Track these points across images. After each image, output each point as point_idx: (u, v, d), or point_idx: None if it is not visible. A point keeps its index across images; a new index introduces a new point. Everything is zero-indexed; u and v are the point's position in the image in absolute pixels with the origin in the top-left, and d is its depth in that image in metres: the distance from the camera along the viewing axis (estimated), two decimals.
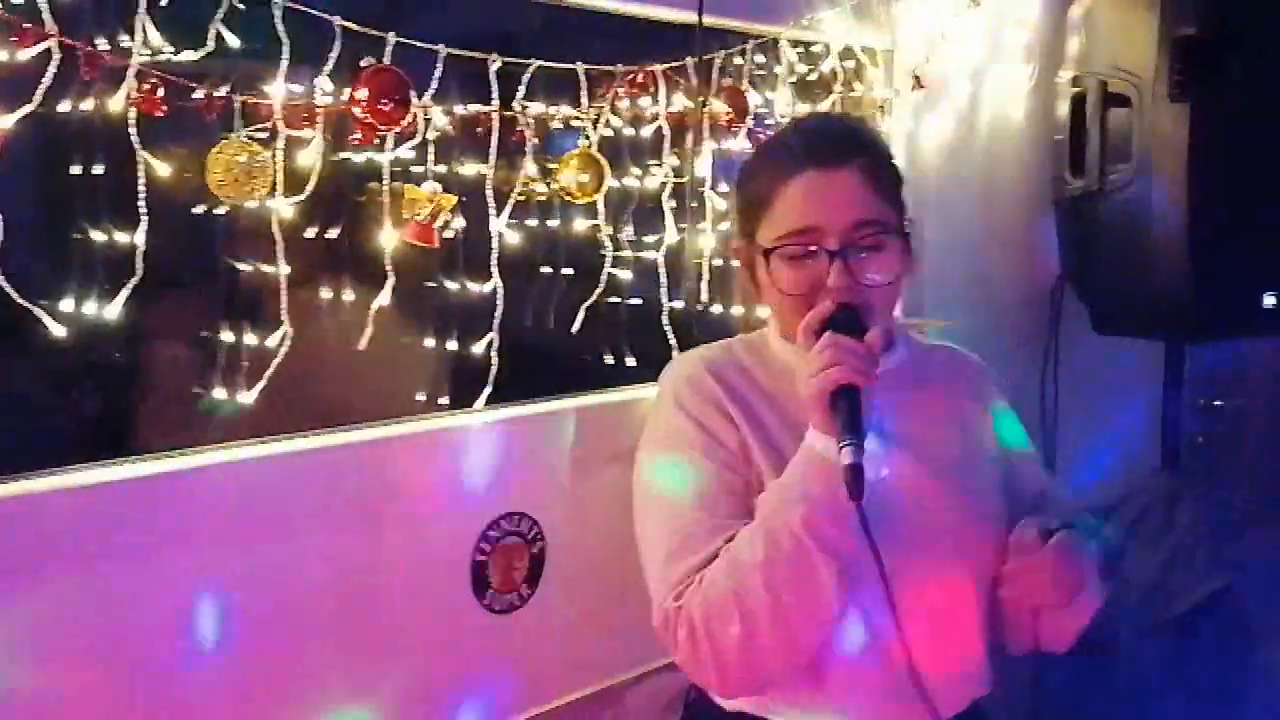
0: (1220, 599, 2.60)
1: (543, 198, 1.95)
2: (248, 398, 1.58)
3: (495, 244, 1.83)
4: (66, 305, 1.46)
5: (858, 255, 1.33)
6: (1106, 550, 1.39)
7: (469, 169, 1.83)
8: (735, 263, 1.49)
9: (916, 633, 1.32)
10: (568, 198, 1.92)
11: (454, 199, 1.75)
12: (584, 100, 1.90)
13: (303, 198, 1.59)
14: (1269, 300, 2.47)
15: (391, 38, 1.63)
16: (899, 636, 1.28)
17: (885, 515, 1.27)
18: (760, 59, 2.18)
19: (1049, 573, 1.33)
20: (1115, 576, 1.42)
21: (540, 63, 1.83)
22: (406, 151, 1.72)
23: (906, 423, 1.40)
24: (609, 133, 1.96)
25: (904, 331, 1.53)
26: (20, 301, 1.36)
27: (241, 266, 1.64)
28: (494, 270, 1.83)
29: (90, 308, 1.46)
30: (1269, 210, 2.37)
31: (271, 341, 1.60)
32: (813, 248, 1.33)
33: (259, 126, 1.54)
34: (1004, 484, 1.47)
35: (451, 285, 1.86)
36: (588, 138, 1.92)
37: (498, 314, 1.83)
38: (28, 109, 1.34)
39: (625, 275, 2.05)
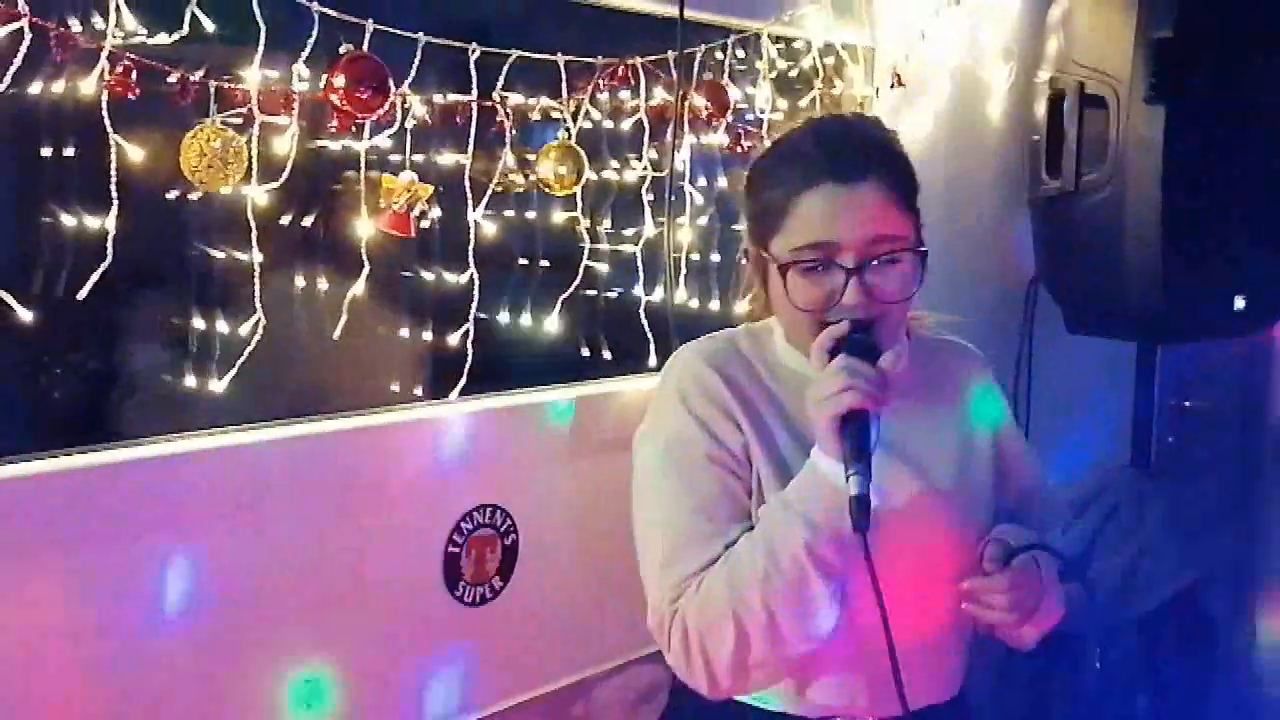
0: (1187, 596, 2.63)
1: (521, 189, 1.94)
2: (219, 386, 1.57)
3: (472, 234, 1.82)
4: (35, 290, 1.44)
5: (874, 271, 1.32)
6: (1072, 562, 1.43)
7: (447, 159, 1.81)
8: (746, 264, 1.48)
9: (899, 635, 1.32)
10: (546, 189, 1.91)
11: (430, 188, 1.74)
12: (564, 92, 1.89)
13: (278, 185, 1.57)
14: (1240, 303, 2.50)
15: (370, 25, 1.62)
16: (889, 649, 1.27)
17: (876, 525, 1.27)
18: (741, 54, 2.17)
19: (1005, 596, 1.36)
20: (1079, 584, 1.47)
21: (520, 53, 1.82)
22: (384, 140, 1.70)
23: (903, 430, 1.39)
24: (588, 125, 1.95)
25: (909, 326, 1.52)
26: None
27: (214, 253, 1.62)
28: (470, 261, 1.82)
29: (59, 293, 1.44)
30: (1242, 213, 2.40)
31: (244, 329, 1.58)
32: (828, 263, 1.32)
33: (234, 112, 1.53)
34: (996, 480, 1.48)
35: (427, 275, 1.85)
36: (567, 129, 1.91)
37: (474, 305, 1.82)
38: None
39: (603, 268, 2.05)
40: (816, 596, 1.27)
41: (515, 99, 1.84)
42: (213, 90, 1.50)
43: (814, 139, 1.40)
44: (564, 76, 1.88)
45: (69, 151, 1.47)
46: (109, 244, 1.43)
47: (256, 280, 1.57)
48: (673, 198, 2.07)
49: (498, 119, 1.82)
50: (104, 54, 1.41)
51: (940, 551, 1.40)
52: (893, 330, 1.37)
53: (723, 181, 2.26)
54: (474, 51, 1.76)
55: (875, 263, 1.32)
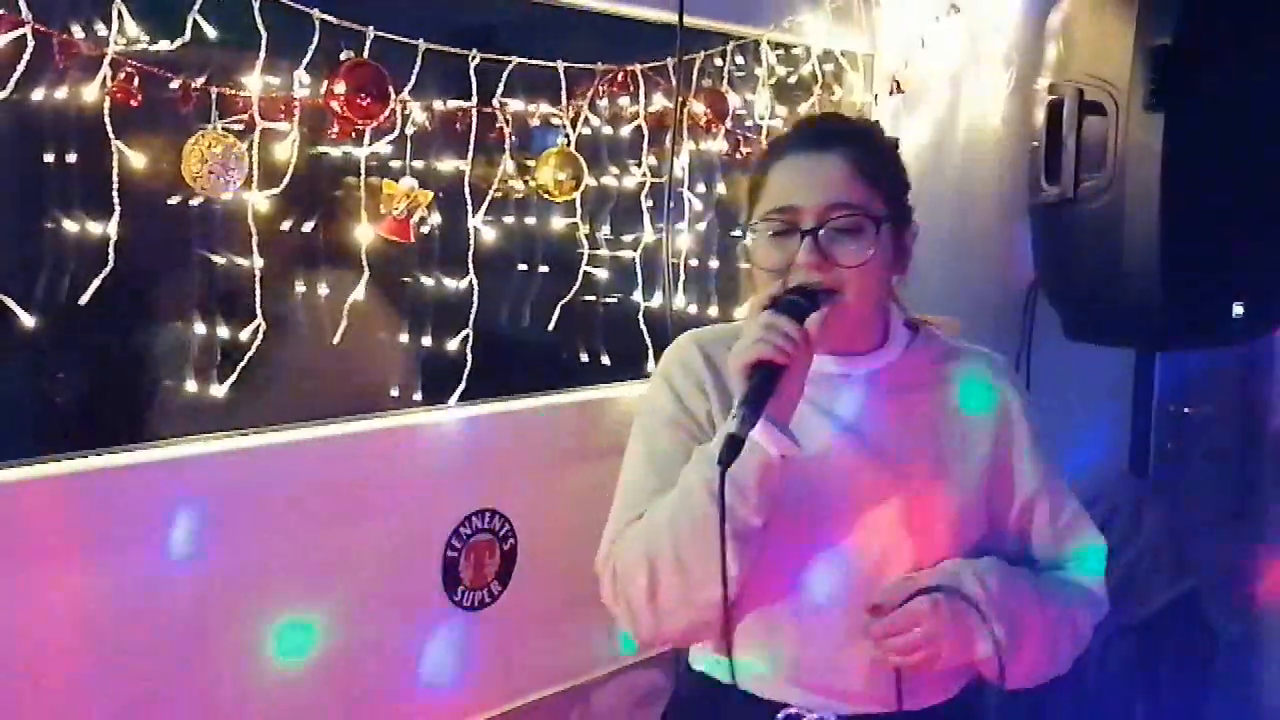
0: (1185, 603, 2.63)
1: (520, 195, 1.95)
2: (220, 391, 1.58)
3: (472, 240, 1.83)
4: (38, 295, 1.45)
5: (832, 236, 1.37)
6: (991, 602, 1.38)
7: (447, 165, 1.82)
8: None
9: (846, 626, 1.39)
10: (545, 195, 1.92)
11: (430, 194, 1.74)
12: (563, 98, 1.89)
13: (278, 191, 1.58)
14: (1238, 310, 2.50)
15: (370, 31, 1.63)
16: (726, 624, 1.34)
17: (817, 499, 1.39)
18: (740, 60, 2.18)
19: (897, 640, 1.36)
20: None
21: (520, 59, 1.82)
22: (384, 146, 1.71)
23: (872, 424, 1.43)
24: (588, 131, 1.96)
25: (926, 330, 1.53)
26: None
27: (216, 259, 1.63)
28: (470, 267, 1.83)
29: (62, 297, 1.45)
30: (1240, 220, 2.40)
31: (245, 335, 1.59)
32: (791, 226, 1.38)
33: (235, 118, 1.53)
34: (990, 490, 1.47)
35: (427, 281, 1.85)
36: (566, 136, 1.92)
37: (473, 310, 1.83)
38: (0, 96, 1.33)
39: (602, 274, 2.05)
40: (717, 534, 1.29)
41: (515, 105, 1.85)
42: (214, 97, 1.51)
43: (794, 125, 1.55)
44: (564, 83, 1.89)
45: (71, 158, 1.48)
46: (110, 250, 1.44)
47: (257, 286, 1.58)
48: (672, 204, 2.07)
49: (497, 125, 1.83)
50: (106, 61, 1.42)
51: (911, 550, 1.41)
52: (858, 302, 1.39)
53: (722, 188, 2.27)
54: (474, 58, 1.77)
55: (832, 229, 1.37)
